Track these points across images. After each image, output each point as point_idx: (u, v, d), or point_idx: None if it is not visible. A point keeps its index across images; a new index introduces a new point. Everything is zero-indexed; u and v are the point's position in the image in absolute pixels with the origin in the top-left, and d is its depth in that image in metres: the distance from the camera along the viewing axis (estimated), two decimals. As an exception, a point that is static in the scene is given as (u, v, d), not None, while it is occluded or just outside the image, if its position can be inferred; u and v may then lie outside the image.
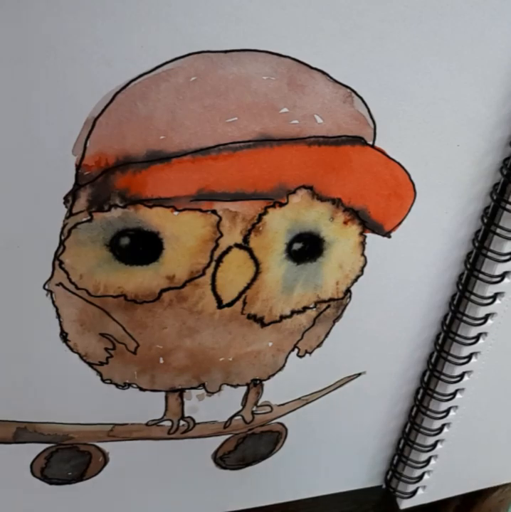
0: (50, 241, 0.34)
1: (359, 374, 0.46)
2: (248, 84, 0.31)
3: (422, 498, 0.56)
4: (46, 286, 0.35)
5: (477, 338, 0.44)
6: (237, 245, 0.36)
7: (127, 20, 0.28)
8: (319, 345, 0.43)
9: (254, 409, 0.45)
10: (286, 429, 0.48)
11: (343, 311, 0.41)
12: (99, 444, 0.44)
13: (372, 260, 0.39)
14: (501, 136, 0.37)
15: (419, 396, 0.49)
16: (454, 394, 0.47)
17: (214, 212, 0.34)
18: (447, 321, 0.44)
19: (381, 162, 0.36)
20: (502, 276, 0.41)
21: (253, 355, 0.41)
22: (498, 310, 0.43)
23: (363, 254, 0.39)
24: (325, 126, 0.33)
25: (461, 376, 0.46)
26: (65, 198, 0.32)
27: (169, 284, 0.36)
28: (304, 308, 0.40)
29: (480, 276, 0.41)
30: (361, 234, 0.38)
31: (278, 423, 0.48)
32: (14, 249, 0.33)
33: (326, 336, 0.42)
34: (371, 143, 0.35)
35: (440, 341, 0.45)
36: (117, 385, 0.41)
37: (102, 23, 0.28)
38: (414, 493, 0.55)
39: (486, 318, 0.43)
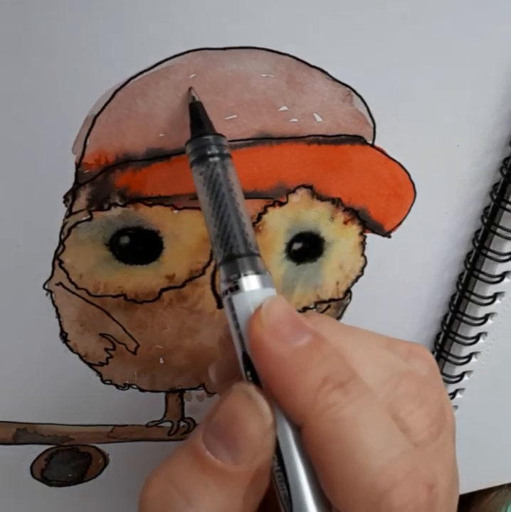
0: (50, 240, 0.34)
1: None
2: (247, 81, 0.31)
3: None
4: (46, 286, 0.35)
5: (477, 338, 0.44)
6: (237, 244, 0.36)
7: (127, 18, 0.28)
8: (319, 346, 0.43)
9: (254, 410, 0.45)
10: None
11: (343, 311, 0.41)
12: (99, 446, 0.44)
13: (372, 260, 0.39)
14: (501, 136, 0.37)
15: (420, 397, 0.49)
16: (454, 394, 0.47)
17: (214, 210, 0.34)
18: (447, 321, 0.44)
19: (381, 161, 0.36)
20: (502, 276, 0.41)
21: (253, 356, 0.41)
22: (498, 310, 0.43)
23: (363, 255, 0.39)
24: (324, 124, 0.33)
25: (461, 376, 0.46)
26: (65, 197, 0.32)
27: (168, 284, 0.36)
28: (305, 309, 0.40)
29: (480, 276, 0.41)
30: (361, 234, 0.38)
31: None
32: (14, 249, 0.33)
33: (326, 336, 0.42)
34: (370, 142, 0.35)
35: (440, 341, 0.45)
36: (117, 386, 0.40)
37: (101, 20, 0.28)
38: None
39: (486, 318, 0.43)
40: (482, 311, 0.43)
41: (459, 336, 0.44)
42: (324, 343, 0.26)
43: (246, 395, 0.26)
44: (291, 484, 0.25)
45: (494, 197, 0.39)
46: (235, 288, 0.27)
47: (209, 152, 0.29)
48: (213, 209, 0.28)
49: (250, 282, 0.27)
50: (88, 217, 0.33)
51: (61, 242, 0.34)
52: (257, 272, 0.27)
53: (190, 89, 0.31)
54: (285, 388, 0.25)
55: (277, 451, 0.25)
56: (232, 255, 0.27)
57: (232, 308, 0.27)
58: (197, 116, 0.30)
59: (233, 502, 0.25)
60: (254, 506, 0.26)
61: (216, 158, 0.29)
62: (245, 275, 0.27)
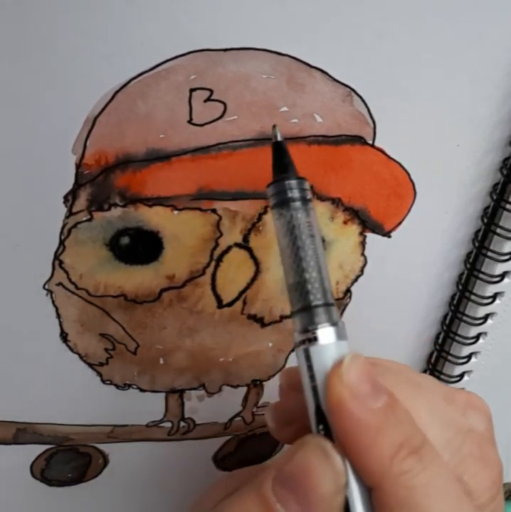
0: (50, 241, 0.34)
1: (360, 375, 0.46)
2: (247, 82, 0.31)
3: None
4: (46, 286, 0.35)
5: (477, 338, 0.44)
6: (237, 245, 0.36)
7: (128, 19, 0.28)
8: (319, 346, 0.43)
9: (254, 410, 0.45)
10: (286, 431, 0.48)
11: (343, 311, 0.41)
12: (99, 446, 0.44)
13: (372, 260, 0.39)
14: (501, 136, 0.37)
15: (420, 397, 0.49)
16: (454, 394, 0.47)
17: (214, 211, 0.34)
18: (447, 321, 0.44)
19: (381, 162, 0.36)
20: (502, 276, 0.41)
21: (253, 356, 0.41)
22: (498, 310, 0.43)
23: (363, 254, 0.39)
24: (325, 125, 0.33)
25: (461, 376, 0.46)
26: (65, 198, 0.32)
27: (169, 284, 0.36)
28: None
29: (480, 276, 0.41)
30: (361, 234, 0.38)
31: (279, 424, 0.47)
32: (14, 249, 0.33)
33: (326, 336, 0.42)
34: (370, 142, 0.35)
35: (440, 341, 0.45)
36: (117, 386, 0.40)
37: (102, 21, 0.28)
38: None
39: (486, 318, 0.43)
40: (482, 311, 0.43)
41: (459, 335, 0.44)
42: (398, 405, 0.26)
43: (322, 449, 0.26)
44: None
45: (494, 197, 0.39)
46: (314, 339, 0.27)
47: (291, 196, 0.29)
48: (295, 256, 0.28)
49: (327, 334, 0.27)
50: (88, 217, 0.33)
51: (61, 242, 0.34)
52: (333, 324, 0.27)
53: (274, 126, 0.30)
54: (362, 450, 0.25)
55: (346, 508, 0.26)
56: (309, 305, 0.27)
57: (308, 359, 0.27)
58: (280, 157, 0.30)
59: None
60: None
61: (298, 203, 0.29)
62: (322, 326, 0.27)
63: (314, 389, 0.26)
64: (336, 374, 0.26)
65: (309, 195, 0.29)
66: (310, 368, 0.27)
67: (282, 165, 0.30)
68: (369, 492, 0.25)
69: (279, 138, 0.30)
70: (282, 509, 0.25)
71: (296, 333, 0.27)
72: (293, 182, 0.29)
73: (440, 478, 0.25)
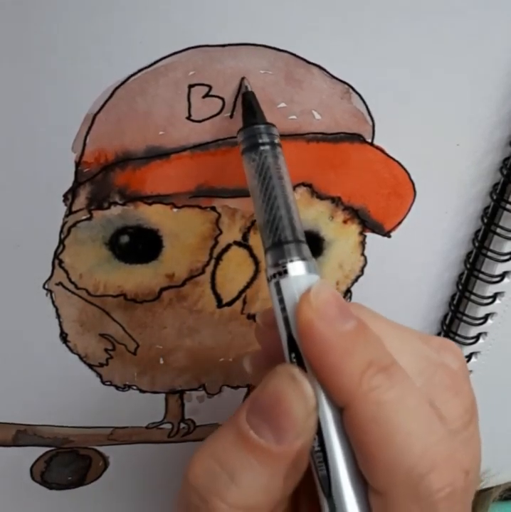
0: (50, 240, 0.34)
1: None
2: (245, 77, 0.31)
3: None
4: (46, 286, 0.35)
5: (477, 337, 0.44)
6: (236, 243, 0.36)
7: (126, 16, 0.28)
8: (319, 346, 0.42)
9: (255, 411, 0.45)
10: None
11: (343, 311, 0.41)
12: (99, 448, 0.44)
13: (372, 260, 0.39)
14: (501, 136, 0.37)
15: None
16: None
17: (213, 208, 0.34)
18: (447, 321, 0.44)
19: (381, 160, 0.36)
20: (502, 276, 0.41)
21: (253, 356, 0.41)
22: (498, 310, 0.43)
23: (363, 254, 0.39)
24: (324, 122, 0.33)
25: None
26: (65, 196, 0.32)
27: (168, 283, 0.36)
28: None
29: (480, 276, 0.41)
30: (361, 233, 0.38)
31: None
32: (14, 249, 0.33)
33: (326, 336, 0.42)
34: (369, 141, 0.35)
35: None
36: (117, 387, 0.40)
37: (100, 18, 0.28)
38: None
39: (486, 318, 0.43)
40: (482, 311, 0.43)
41: (459, 335, 0.44)
42: (368, 330, 0.27)
43: (291, 376, 0.26)
44: (330, 464, 0.26)
45: (494, 197, 0.39)
46: (284, 272, 0.27)
47: (261, 140, 0.30)
48: (264, 196, 0.29)
49: (297, 267, 0.28)
50: (88, 216, 0.33)
51: (61, 241, 0.34)
52: (303, 258, 0.28)
53: (243, 79, 0.31)
54: (331, 369, 0.26)
55: (318, 432, 0.26)
56: (280, 241, 0.28)
57: (279, 291, 0.27)
58: (250, 106, 0.31)
59: (274, 481, 0.26)
60: (292, 486, 0.27)
61: (267, 147, 0.30)
62: (292, 261, 0.28)
63: (286, 320, 0.27)
64: (305, 299, 0.26)
65: (277, 140, 0.31)
66: (282, 300, 0.27)
67: (251, 112, 0.31)
68: (341, 413, 0.26)
69: (249, 88, 0.31)
70: (255, 436, 0.26)
71: (268, 268, 0.28)
72: (262, 127, 0.30)
73: (410, 396, 0.26)
